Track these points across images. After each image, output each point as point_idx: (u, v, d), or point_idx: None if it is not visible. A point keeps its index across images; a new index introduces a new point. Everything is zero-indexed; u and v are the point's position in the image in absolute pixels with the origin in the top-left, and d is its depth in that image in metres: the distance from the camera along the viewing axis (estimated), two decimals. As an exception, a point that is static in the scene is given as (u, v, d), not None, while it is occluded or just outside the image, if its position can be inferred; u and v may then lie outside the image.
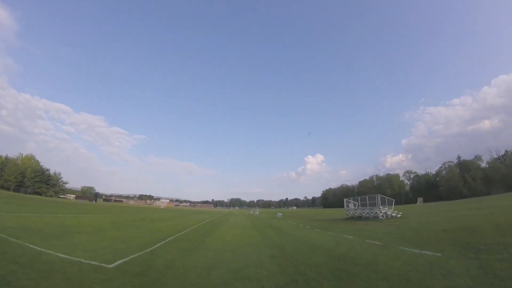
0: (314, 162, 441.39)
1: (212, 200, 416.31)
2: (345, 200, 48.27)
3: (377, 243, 15.18)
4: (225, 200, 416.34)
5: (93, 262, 9.59)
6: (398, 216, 35.40)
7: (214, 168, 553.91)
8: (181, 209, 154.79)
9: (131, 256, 11.15)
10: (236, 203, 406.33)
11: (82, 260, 9.78)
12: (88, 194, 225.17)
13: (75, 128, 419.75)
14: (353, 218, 40.40)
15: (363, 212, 39.03)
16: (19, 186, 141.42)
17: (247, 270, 9.45)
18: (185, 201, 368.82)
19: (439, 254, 10.90)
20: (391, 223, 27.49)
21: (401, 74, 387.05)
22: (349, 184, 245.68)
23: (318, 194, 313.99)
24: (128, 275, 8.38)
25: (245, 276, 8.68)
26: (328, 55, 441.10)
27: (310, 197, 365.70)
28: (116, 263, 9.79)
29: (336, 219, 42.25)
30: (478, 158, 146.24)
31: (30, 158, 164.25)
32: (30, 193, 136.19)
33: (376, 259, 10.85)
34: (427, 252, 11.45)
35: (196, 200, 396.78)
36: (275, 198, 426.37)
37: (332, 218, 46.06)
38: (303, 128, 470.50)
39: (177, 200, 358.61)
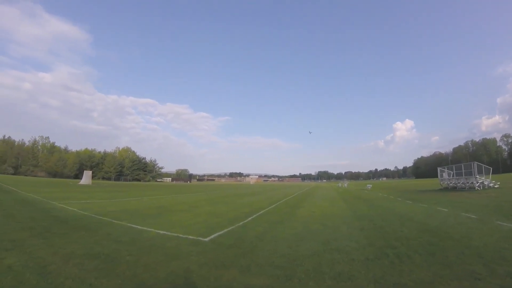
0: (403, 128, 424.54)
1: (300, 174, 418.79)
2: (438, 169, 45.55)
3: (473, 216, 14.51)
4: (312, 173, 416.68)
5: (190, 237, 10.22)
6: (496, 186, 33.15)
7: (300, 141, 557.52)
8: (269, 184, 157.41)
9: (225, 230, 11.68)
10: (323, 175, 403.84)
11: (180, 235, 10.46)
12: (182, 176, 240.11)
13: (163, 118, 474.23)
14: (447, 189, 38.64)
15: (458, 182, 37.06)
16: (119, 175, 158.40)
17: (336, 242, 9.47)
18: (273, 176, 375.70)
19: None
20: (488, 194, 25.96)
21: (491, 20, 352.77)
22: (442, 151, 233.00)
23: (409, 163, 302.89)
24: (222, 247, 8.82)
25: (335, 247, 8.69)
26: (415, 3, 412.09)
27: (400, 167, 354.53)
28: (211, 236, 10.33)
29: (429, 190, 40.58)
30: None
31: (127, 150, 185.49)
32: (129, 180, 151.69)
33: (471, 234, 10.35)
34: (526, 229, 10.74)
35: (283, 175, 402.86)
36: (364, 169, 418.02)
37: (425, 189, 44.24)
38: (390, 91, 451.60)
39: (265, 176, 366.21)
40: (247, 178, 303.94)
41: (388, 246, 8.77)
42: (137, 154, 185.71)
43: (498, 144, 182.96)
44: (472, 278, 5.95)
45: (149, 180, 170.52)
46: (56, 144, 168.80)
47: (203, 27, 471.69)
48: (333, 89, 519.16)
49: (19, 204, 19.07)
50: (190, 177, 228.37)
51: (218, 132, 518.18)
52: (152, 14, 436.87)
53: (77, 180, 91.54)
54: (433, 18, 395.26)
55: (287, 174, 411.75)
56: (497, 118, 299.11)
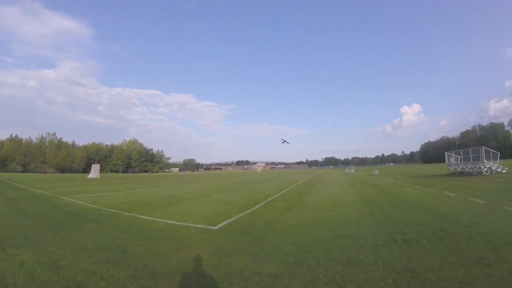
0: (410, 113, 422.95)
1: (306, 160, 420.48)
2: (446, 154, 45.88)
3: (481, 201, 14.48)
4: (319, 160, 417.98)
5: (199, 225, 10.38)
6: (504, 171, 33.17)
7: (306, 127, 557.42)
8: (276, 171, 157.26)
9: (234, 218, 11.82)
10: (330, 162, 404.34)
11: (189, 224, 10.62)
12: (190, 166, 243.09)
13: (169, 108, 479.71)
14: (454, 174, 38.71)
15: (466, 167, 37.19)
16: (127, 168, 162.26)
17: (345, 228, 9.52)
18: (280, 163, 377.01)
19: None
20: (496, 179, 25.95)
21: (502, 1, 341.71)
22: (449, 135, 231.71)
23: (416, 148, 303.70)
24: (232, 235, 8.93)
25: (344, 234, 8.75)
26: None
27: (407, 152, 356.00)
28: (220, 224, 10.47)
29: (437, 175, 40.60)
30: None
31: (134, 142, 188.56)
32: (137, 172, 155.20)
33: (479, 220, 10.33)
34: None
35: (290, 162, 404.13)
36: (371, 154, 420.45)
37: (432, 174, 44.37)
38: (398, 76, 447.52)
39: (272, 163, 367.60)
40: (254, 166, 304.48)
41: (397, 232, 8.81)
42: (144, 145, 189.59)
43: (506, 129, 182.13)
44: (481, 264, 5.96)
45: (156, 171, 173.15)
46: (63, 140, 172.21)
47: (204, 14, 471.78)
48: (340, 73, 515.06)
49: (30, 201, 19.26)
50: (198, 166, 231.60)
51: (224, 120, 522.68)
52: (152, 4, 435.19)
53: (86, 174, 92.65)
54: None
55: (294, 161, 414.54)
56: (505, 102, 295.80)
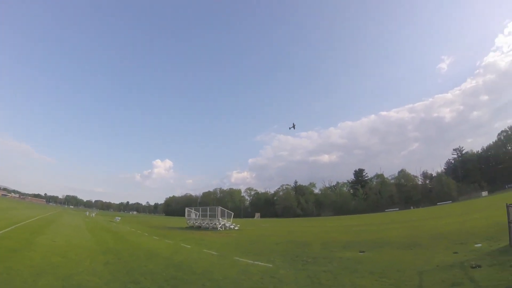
0: (162, 166, 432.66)
1: (45, 194, 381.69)
2: (186, 209, 49.35)
3: (214, 252, 15.80)
4: (60, 196, 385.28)
5: None
6: (236, 228, 37.74)
7: (53, 155, 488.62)
8: (7, 201, 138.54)
9: None
10: (72, 201, 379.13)
11: None
12: None
13: None
14: (193, 228, 41.33)
15: (203, 223, 40.30)
16: None
17: (78, 277, 8.95)
18: (14, 191, 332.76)
19: (271, 265, 11.84)
20: (229, 234, 28.81)
21: (259, 101, 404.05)
22: (193, 193, 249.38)
23: (161, 200, 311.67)
24: None
25: (76, 283, 8.24)
26: (196, 70, 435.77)
27: (152, 203, 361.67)
28: None
29: (177, 228, 42.57)
30: (312, 184, 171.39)
31: None
32: None
33: (212, 268, 11.25)
34: (259, 263, 12.30)
35: (26, 192, 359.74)
36: (116, 200, 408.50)
37: (173, 226, 46.26)
38: (154, 130, 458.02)
39: (4, 189, 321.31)
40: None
41: (132, 281, 8.75)
42: None
43: (242, 194, 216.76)
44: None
45: None
46: None
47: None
48: (97, 112, 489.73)
49: None
50: None
51: None
52: None
53: None
54: (211, 84, 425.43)
55: (30, 192, 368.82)
56: (245, 173, 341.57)
